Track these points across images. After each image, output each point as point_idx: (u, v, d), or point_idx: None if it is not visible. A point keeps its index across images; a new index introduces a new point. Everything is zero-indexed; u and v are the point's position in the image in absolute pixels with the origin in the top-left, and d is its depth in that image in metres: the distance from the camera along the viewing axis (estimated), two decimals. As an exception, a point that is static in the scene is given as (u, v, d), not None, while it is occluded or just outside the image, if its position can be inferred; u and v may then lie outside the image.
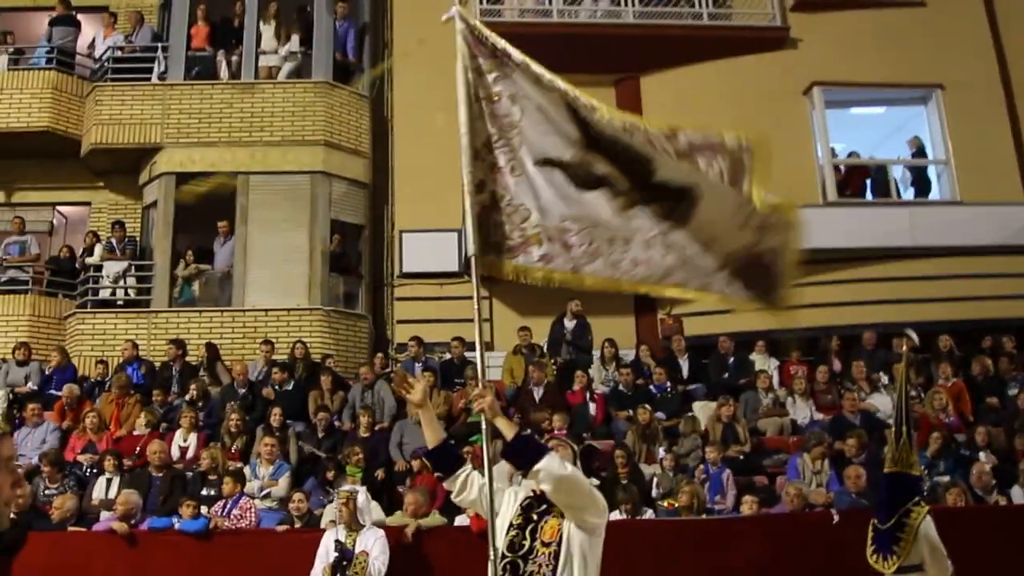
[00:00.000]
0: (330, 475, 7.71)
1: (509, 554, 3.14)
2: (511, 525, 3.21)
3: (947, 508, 7.10)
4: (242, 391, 9.14)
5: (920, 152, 12.03)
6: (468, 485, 3.26)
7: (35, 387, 9.66)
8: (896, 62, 11.83)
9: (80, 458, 8.25)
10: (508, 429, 3.19)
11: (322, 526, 6.93)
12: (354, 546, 6.32)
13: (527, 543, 3.14)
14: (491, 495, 3.21)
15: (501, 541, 3.19)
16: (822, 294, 10.93)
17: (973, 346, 9.96)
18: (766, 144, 3.36)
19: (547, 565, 3.07)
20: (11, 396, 9.34)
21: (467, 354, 9.95)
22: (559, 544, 3.09)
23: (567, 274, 3.55)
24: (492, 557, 3.16)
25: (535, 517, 3.19)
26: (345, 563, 6.18)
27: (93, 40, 12.35)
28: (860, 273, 11.04)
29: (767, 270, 3.50)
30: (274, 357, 9.90)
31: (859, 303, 10.80)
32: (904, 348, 5.99)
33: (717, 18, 12.09)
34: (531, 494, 3.27)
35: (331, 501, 7.30)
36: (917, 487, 5.42)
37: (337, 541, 6.29)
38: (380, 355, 10.34)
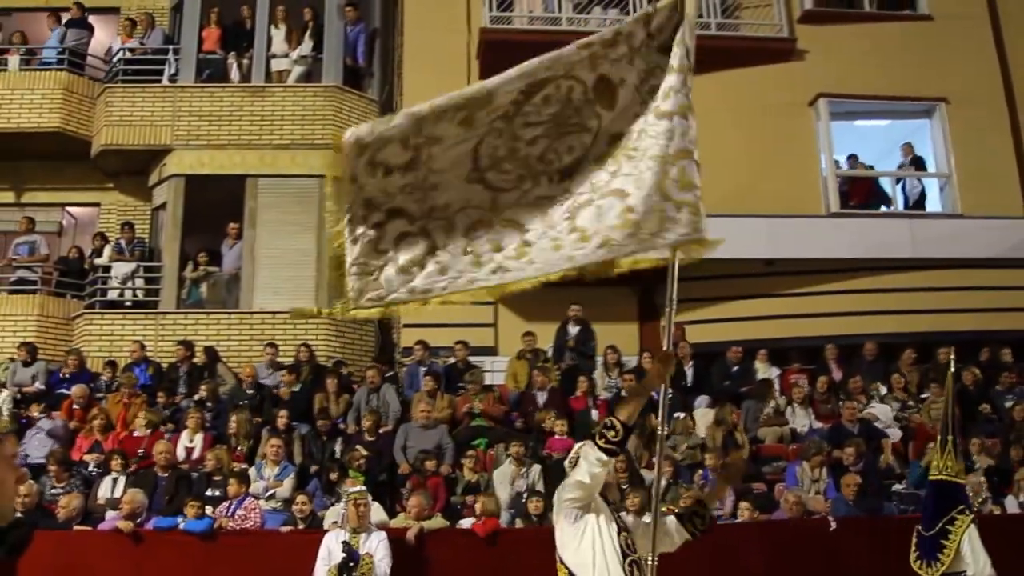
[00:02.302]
0: (333, 477, 7.78)
1: (630, 553, 3.32)
2: (621, 528, 3.36)
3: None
4: (250, 392, 9.23)
5: (915, 159, 12.10)
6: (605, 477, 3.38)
7: (42, 387, 9.76)
8: (901, 75, 11.90)
9: (86, 458, 8.33)
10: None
11: (325, 527, 7.01)
12: (358, 548, 6.38)
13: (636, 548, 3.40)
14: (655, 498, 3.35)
15: (615, 542, 3.32)
16: (824, 304, 11.01)
17: (972, 358, 10.01)
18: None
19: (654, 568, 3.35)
20: (18, 395, 9.44)
21: (471, 358, 10.03)
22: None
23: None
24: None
25: (625, 527, 3.44)
26: (352, 564, 6.24)
27: (110, 47, 12.46)
28: (862, 283, 11.12)
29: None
30: (279, 360, 9.99)
31: (860, 313, 10.87)
32: (951, 358, 6.12)
33: (725, 28, 12.15)
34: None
35: (335, 503, 7.38)
36: (962, 495, 5.50)
37: (345, 543, 6.35)
38: (375, 364, 10.38)
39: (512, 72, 2.97)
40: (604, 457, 3.19)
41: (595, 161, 3.10)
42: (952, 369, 5.88)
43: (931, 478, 5.61)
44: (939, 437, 5.68)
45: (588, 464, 3.23)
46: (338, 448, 8.33)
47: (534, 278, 2.99)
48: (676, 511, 3.51)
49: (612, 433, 3.17)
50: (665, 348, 3.33)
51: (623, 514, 3.56)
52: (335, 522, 6.90)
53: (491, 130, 2.98)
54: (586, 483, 3.27)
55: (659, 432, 3.31)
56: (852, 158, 12.24)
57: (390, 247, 2.97)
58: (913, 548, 5.51)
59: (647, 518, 3.51)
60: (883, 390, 9.63)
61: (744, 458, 3.34)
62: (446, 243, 3.00)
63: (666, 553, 3.61)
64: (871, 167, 12.40)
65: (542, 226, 3.02)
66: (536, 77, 2.98)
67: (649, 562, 3.32)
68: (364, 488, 6.89)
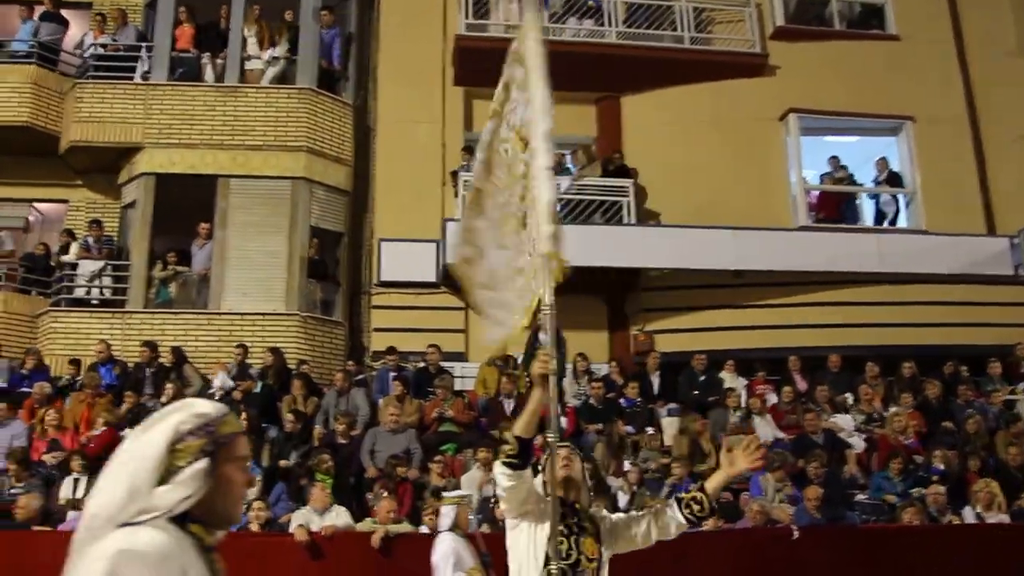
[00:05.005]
0: (302, 481, 7.73)
1: (561, 559, 3.25)
2: (566, 533, 3.32)
3: (903, 526, 7.32)
4: (219, 395, 9.14)
5: (891, 175, 12.33)
6: (527, 488, 3.31)
7: (3, 384, 9.58)
8: (870, 93, 12.16)
9: (45, 457, 8.19)
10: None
11: (290, 530, 6.95)
12: None
13: (574, 554, 3.30)
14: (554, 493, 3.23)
15: (537, 549, 3.28)
16: (791, 316, 11.19)
17: (934, 371, 10.22)
18: None
19: None
20: (-19, 393, 9.26)
21: (442, 363, 10.02)
22: (599, 561, 3.35)
23: None
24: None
25: (575, 530, 3.36)
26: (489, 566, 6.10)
27: (82, 41, 12.31)
28: (828, 296, 11.31)
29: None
30: (248, 361, 9.91)
31: (826, 326, 11.05)
32: None
33: (698, 42, 12.34)
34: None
35: (300, 506, 7.31)
36: None
37: (475, 546, 6.05)
38: (352, 362, 10.37)
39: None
40: (508, 471, 3.19)
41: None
42: None
43: None
44: None
45: (498, 481, 3.29)
46: (295, 454, 8.25)
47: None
48: (677, 496, 3.41)
49: (508, 447, 3.21)
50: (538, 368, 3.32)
51: (595, 512, 3.49)
52: (449, 527, 6.20)
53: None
54: (505, 497, 3.32)
55: (549, 440, 3.23)
56: (835, 158, 12.33)
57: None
58: None
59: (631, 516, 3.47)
60: (850, 400, 9.80)
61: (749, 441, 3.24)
62: None
63: (630, 561, 3.59)
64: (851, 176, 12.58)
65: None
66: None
67: (593, 564, 3.32)
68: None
